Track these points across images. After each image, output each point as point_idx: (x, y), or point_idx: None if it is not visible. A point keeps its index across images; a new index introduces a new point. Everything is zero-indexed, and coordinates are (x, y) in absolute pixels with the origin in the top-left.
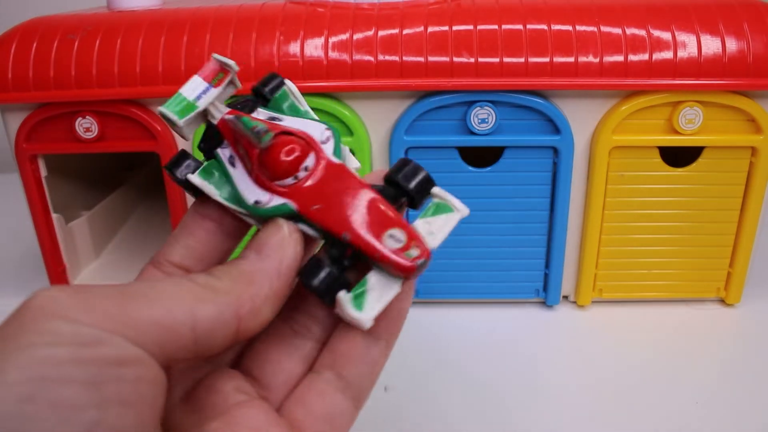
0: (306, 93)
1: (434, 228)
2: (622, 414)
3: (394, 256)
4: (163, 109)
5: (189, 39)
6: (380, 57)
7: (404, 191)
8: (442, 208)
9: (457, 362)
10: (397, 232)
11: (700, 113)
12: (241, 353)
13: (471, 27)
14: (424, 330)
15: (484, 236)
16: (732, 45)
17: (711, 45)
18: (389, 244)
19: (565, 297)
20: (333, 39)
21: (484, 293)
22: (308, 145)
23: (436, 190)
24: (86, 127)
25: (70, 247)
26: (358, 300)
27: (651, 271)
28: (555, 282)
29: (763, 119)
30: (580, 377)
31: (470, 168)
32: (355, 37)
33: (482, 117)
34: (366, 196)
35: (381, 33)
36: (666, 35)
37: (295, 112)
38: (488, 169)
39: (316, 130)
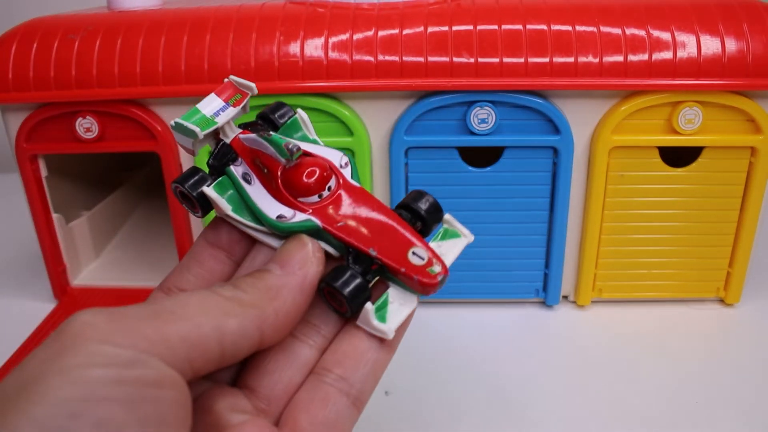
0: (306, 93)
1: (444, 250)
2: (622, 414)
3: (419, 272)
4: (181, 120)
5: (189, 39)
6: (380, 57)
7: (419, 216)
8: (451, 234)
9: (457, 362)
10: (420, 250)
11: (699, 113)
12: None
13: (471, 27)
14: (423, 330)
15: (484, 236)
16: (732, 45)
17: (711, 45)
18: (413, 260)
19: (565, 297)
20: (333, 39)
21: (484, 293)
22: (330, 167)
23: (447, 216)
24: (86, 127)
25: (70, 247)
26: (381, 312)
27: (651, 271)
28: (555, 282)
29: (763, 119)
30: (580, 377)
31: (470, 168)
32: (355, 37)
33: (482, 117)
34: (388, 216)
35: (381, 33)
36: (666, 35)
37: (307, 141)
38: (488, 169)
39: (335, 156)
